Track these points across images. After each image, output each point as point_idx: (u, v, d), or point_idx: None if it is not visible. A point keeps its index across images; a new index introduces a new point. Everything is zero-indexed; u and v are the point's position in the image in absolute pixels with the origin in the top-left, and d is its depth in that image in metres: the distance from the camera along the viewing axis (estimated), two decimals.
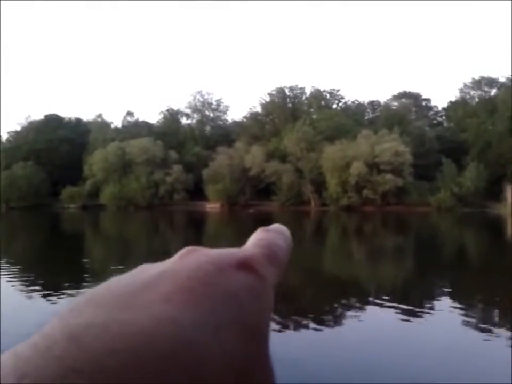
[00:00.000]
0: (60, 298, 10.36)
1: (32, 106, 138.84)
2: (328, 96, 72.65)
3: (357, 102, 75.12)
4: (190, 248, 0.34)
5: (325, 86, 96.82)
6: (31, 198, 63.47)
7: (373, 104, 75.85)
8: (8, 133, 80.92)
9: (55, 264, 16.41)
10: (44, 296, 10.75)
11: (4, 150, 74.49)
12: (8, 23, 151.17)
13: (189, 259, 0.31)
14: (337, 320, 8.65)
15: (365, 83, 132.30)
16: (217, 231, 34.30)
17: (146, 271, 0.31)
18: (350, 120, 64.71)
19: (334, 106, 72.56)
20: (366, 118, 73.87)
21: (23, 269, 15.47)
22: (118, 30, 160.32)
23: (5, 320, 8.62)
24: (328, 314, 9.17)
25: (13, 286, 12.02)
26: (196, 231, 33.39)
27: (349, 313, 9.10)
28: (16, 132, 78.40)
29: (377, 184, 53.66)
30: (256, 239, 0.39)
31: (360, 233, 30.74)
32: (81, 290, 11.06)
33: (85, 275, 14.04)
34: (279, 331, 7.82)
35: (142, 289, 0.27)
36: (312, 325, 8.25)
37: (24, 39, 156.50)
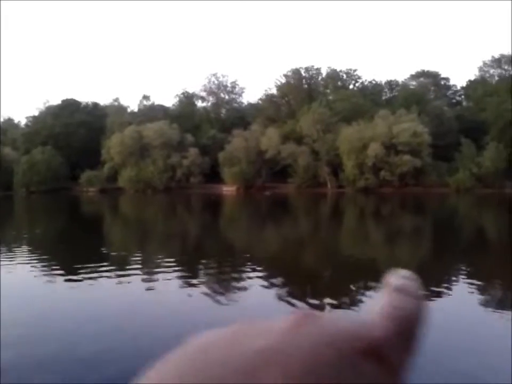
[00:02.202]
0: (79, 282, 10.57)
1: (50, 91, 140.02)
2: (344, 76, 71.60)
3: (374, 82, 73.93)
4: (305, 313, 0.25)
5: (341, 66, 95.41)
6: (50, 182, 64.35)
7: (391, 84, 74.52)
8: (27, 118, 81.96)
9: (76, 248, 16.71)
10: (65, 280, 10.98)
11: (23, 135, 75.48)
12: (27, 11, 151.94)
13: (303, 333, 0.24)
14: (354, 303, 8.68)
15: (383, 62, 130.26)
16: (233, 214, 34.44)
17: (246, 341, 0.23)
18: (367, 101, 63.74)
19: (351, 86, 71.51)
20: (384, 98, 72.65)
21: (43, 253, 15.80)
22: (133, 14, 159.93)
23: (24, 304, 8.87)
24: (345, 296, 9.21)
25: (33, 269, 12.30)
26: (212, 215, 33.60)
27: (366, 295, 9.11)
28: (34, 117, 79.24)
29: (395, 166, 53.06)
30: (385, 305, 0.30)
31: (377, 215, 30.57)
32: (101, 275, 11.27)
33: (105, 258, 14.28)
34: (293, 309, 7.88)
35: (245, 374, 0.21)
36: (329, 307, 8.30)
37: (41, 26, 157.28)
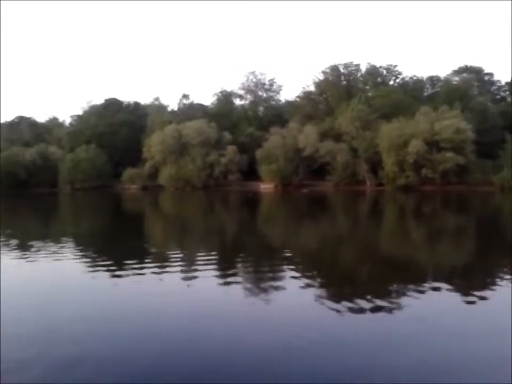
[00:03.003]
0: (122, 277, 10.97)
1: (93, 91, 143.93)
2: (384, 72, 70.26)
3: (415, 78, 72.21)
4: None
5: (381, 62, 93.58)
6: (94, 179, 66.39)
7: (433, 80, 72.60)
8: (71, 117, 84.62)
9: (119, 243, 17.28)
10: (108, 275, 11.41)
11: (68, 133, 78.08)
12: (71, 13, 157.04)
13: None
14: (393, 302, 8.65)
15: (424, 58, 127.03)
16: (272, 212, 34.58)
17: None
18: (408, 97, 62.33)
19: (391, 82, 70.13)
20: (425, 94, 70.84)
21: (88, 247, 16.44)
22: (174, 16, 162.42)
23: (70, 298, 9.29)
24: (384, 295, 9.18)
25: (78, 263, 12.84)
26: (250, 212, 33.85)
27: (405, 295, 9.06)
28: (79, 116, 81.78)
29: (437, 163, 51.69)
30: None
31: (418, 214, 30.00)
32: (143, 271, 11.65)
33: (147, 254, 14.72)
34: (335, 310, 7.94)
35: None
36: (368, 305, 8.31)
37: (84, 27, 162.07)
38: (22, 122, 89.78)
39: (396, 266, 12.33)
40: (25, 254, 14.13)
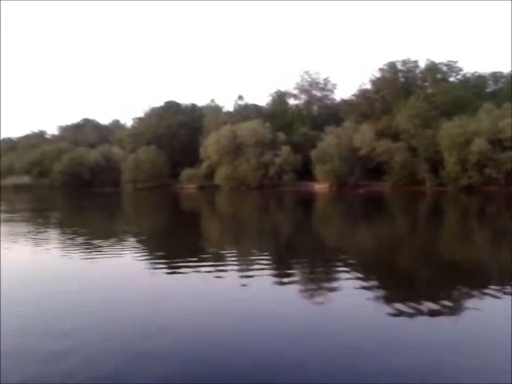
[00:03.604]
0: (180, 275, 11.42)
1: (154, 94, 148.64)
2: (444, 68, 67.68)
3: (477, 74, 69.15)
4: None
5: (440, 58, 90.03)
6: (154, 179, 68.74)
7: (495, 76, 69.19)
8: (133, 119, 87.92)
9: (177, 242, 17.90)
10: (168, 271, 11.91)
11: (130, 135, 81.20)
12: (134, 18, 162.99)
13: None
14: (454, 309, 8.51)
15: (487, 53, 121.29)
16: (327, 212, 34.40)
17: None
18: (470, 94, 59.78)
19: (451, 79, 67.46)
20: (488, 90, 67.70)
21: (149, 244, 17.16)
22: (229, 18, 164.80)
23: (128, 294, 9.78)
24: (444, 301, 9.02)
25: (138, 259, 13.47)
26: (305, 212, 33.84)
27: (467, 301, 8.87)
28: (140, 118, 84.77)
29: (501, 162, 49.21)
30: None
31: (482, 215, 28.83)
32: (199, 269, 12.07)
33: (203, 253, 15.19)
34: (394, 315, 7.93)
35: None
36: (427, 311, 8.23)
37: (148, 35, 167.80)
38: (86, 125, 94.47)
39: (458, 270, 12.02)
40: (90, 252, 14.97)
